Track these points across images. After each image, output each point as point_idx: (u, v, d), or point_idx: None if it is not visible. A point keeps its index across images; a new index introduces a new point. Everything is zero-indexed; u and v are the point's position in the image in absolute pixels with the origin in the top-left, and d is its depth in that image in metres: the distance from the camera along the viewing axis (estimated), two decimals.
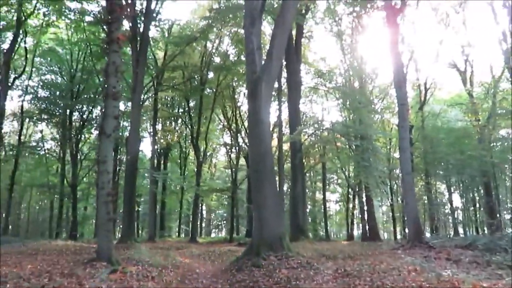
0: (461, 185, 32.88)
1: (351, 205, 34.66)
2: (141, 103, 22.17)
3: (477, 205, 33.06)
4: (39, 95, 28.23)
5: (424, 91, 30.27)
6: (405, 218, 23.24)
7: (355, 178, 29.01)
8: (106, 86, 9.57)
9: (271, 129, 18.32)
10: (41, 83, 28.54)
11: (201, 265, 11.91)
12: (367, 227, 26.96)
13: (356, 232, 38.92)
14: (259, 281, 8.48)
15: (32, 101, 28.44)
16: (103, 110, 10.63)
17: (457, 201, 37.63)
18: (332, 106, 33.56)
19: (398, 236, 35.57)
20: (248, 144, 22.69)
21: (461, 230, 33.25)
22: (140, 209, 39.25)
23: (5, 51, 22.28)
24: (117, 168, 32.37)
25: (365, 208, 27.29)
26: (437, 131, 28.80)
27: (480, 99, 26.87)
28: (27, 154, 30.66)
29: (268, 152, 11.79)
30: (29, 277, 6.26)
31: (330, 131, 24.47)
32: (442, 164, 28.81)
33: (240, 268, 9.83)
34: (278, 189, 16.44)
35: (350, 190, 34.10)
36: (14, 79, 24.44)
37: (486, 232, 29.08)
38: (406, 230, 33.86)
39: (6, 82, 21.81)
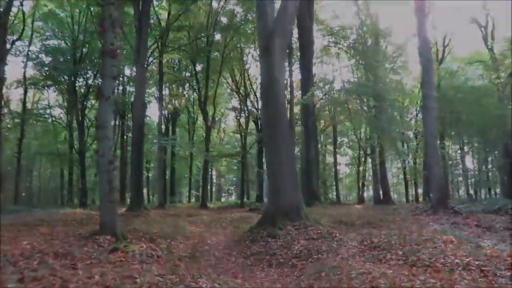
0: (476, 145, 31.72)
1: (362, 168, 33.95)
2: (146, 65, 21.17)
3: (490, 166, 32.12)
4: (42, 61, 27.31)
5: (442, 48, 28.78)
6: (427, 181, 22.13)
7: (368, 141, 28.04)
8: (102, 43, 8.62)
9: None
10: (43, 49, 27.52)
11: (212, 234, 11.33)
12: (380, 190, 26.26)
13: (366, 194, 38.40)
14: (276, 254, 7.83)
15: (35, 67, 27.62)
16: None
17: (468, 162, 36.81)
18: (344, 66, 32.01)
19: (410, 199, 35.03)
20: (260, 106, 21.64)
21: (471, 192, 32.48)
22: (150, 175, 39.09)
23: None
24: (125, 135, 31.79)
25: (378, 170, 26.46)
26: (456, 90, 27.37)
27: (503, 55, 25.26)
28: (34, 122, 30.17)
29: (283, 114, 10.87)
30: (18, 258, 5.52)
31: (343, 92, 23.28)
32: (460, 125, 27.59)
33: (255, 239, 9.21)
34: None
35: (361, 152, 33.28)
36: (13, 42, 23.44)
37: (499, 194, 28.30)
38: (420, 192, 33.44)
39: (3, 44, 20.73)
